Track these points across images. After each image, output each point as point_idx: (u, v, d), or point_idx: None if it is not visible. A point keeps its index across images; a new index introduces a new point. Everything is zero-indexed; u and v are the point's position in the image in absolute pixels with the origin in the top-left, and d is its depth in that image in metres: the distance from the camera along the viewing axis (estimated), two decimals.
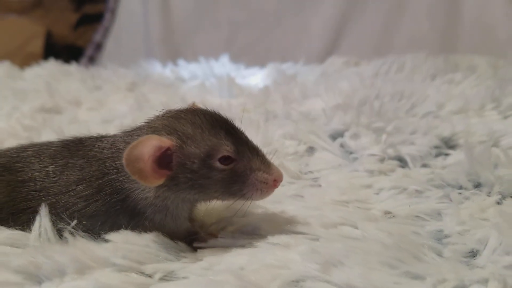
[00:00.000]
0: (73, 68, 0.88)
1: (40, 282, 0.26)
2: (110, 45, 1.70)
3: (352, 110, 0.49)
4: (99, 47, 1.76)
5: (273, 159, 0.39)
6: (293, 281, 0.26)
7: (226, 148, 0.29)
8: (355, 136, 0.46)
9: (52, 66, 0.89)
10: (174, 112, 0.32)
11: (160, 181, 0.29)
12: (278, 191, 0.37)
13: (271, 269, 0.27)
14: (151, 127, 0.31)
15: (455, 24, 1.40)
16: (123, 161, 0.28)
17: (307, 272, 0.26)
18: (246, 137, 0.32)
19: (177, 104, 0.60)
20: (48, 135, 0.44)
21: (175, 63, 0.95)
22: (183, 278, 0.27)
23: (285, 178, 0.40)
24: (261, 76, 0.81)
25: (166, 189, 0.30)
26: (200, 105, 0.34)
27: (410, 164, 0.42)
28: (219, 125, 0.31)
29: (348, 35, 1.57)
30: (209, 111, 0.32)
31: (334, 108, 0.51)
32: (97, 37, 1.82)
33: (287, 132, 0.49)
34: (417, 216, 0.33)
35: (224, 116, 0.32)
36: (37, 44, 1.64)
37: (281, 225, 0.32)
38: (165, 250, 0.30)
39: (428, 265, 0.26)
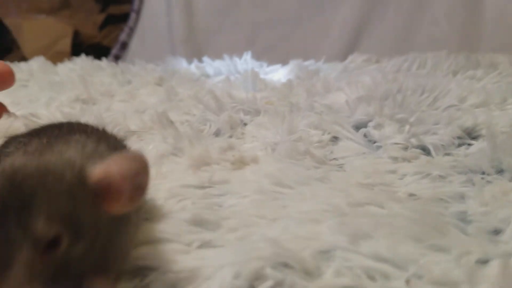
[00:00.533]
0: (103, 63, 0.91)
1: None
2: (134, 44, 1.74)
3: (375, 101, 0.51)
4: (124, 46, 1.80)
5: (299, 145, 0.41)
6: (322, 251, 0.28)
7: None
8: (379, 126, 0.48)
9: (83, 62, 0.93)
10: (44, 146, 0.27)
11: None
12: (305, 174, 0.39)
13: (302, 240, 0.28)
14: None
15: (475, 24, 1.40)
16: None
17: (337, 244, 0.28)
18: (25, 237, 0.20)
19: (205, 97, 0.62)
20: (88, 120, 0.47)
21: (200, 60, 0.97)
22: (220, 246, 0.29)
23: (311, 163, 0.42)
24: (283, 73, 0.83)
25: None
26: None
27: (433, 153, 0.43)
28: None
29: (367, 36, 1.57)
30: (19, 173, 0.22)
31: (357, 100, 0.52)
32: (122, 36, 1.87)
33: (312, 122, 0.51)
34: (440, 199, 0.35)
35: (26, 189, 0.21)
36: (66, 43, 1.69)
37: (309, 203, 0.34)
38: (199, 226, 0.32)
39: (452, 239, 0.28)
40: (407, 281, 0.24)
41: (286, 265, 0.26)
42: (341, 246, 0.28)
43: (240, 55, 1.00)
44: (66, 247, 0.21)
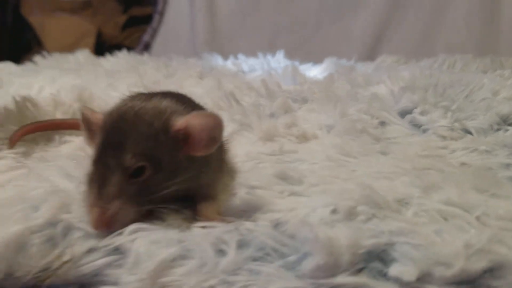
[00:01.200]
0: (145, 58, 0.97)
1: None
2: (157, 45, 1.79)
3: (419, 91, 0.56)
4: (147, 47, 1.85)
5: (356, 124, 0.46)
6: (400, 199, 0.33)
7: (93, 151, 0.30)
8: (424, 112, 0.53)
9: (125, 56, 0.98)
10: (131, 99, 0.33)
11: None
12: (366, 147, 0.45)
13: (382, 191, 0.33)
14: None
15: (493, 30, 1.44)
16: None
17: (411, 194, 0.33)
18: (110, 163, 0.29)
19: (245, 90, 0.67)
20: None
21: (235, 57, 1.03)
22: (307, 196, 0.35)
23: (369, 139, 0.47)
24: (319, 70, 0.89)
25: None
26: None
27: (475, 134, 0.49)
28: (105, 130, 0.30)
29: (387, 41, 1.62)
30: (122, 113, 0.31)
31: (401, 90, 0.57)
32: (145, 37, 1.93)
33: (361, 109, 0.56)
34: (489, 168, 0.40)
35: (119, 129, 0.30)
36: (89, 42, 1.73)
37: (377, 167, 0.39)
38: (284, 180, 0.37)
39: (509, 191, 0.33)
40: (477, 217, 0.29)
41: (375, 205, 0.31)
42: (416, 195, 0.33)
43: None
44: (148, 176, 0.29)
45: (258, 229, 0.29)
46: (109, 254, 0.29)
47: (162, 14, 1.88)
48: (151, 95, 0.35)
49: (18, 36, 1.74)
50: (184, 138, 0.30)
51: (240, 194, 0.34)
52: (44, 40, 1.68)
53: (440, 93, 0.57)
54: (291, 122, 0.49)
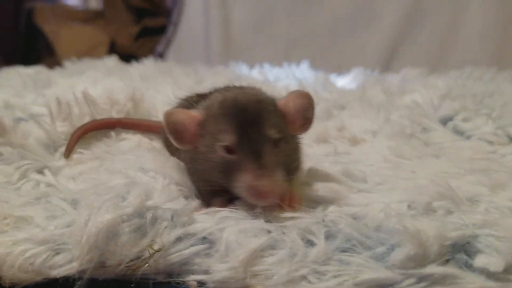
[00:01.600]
0: (173, 65, 0.99)
1: None
2: (171, 56, 1.80)
3: (459, 98, 0.57)
4: (161, 57, 1.87)
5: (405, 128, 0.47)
6: (469, 197, 0.34)
7: (228, 138, 0.31)
8: (466, 119, 0.54)
9: (151, 63, 1.00)
10: (231, 89, 0.37)
11: (188, 147, 0.33)
12: (419, 150, 0.45)
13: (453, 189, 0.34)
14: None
15: (508, 47, 1.45)
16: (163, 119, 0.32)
17: (480, 192, 0.34)
18: (260, 138, 0.31)
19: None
20: None
21: (261, 65, 1.04)
22: (375, 193, 0.36)
23: (418, 143, 0.48)
24: (347, 80, 0.90)
25: (192, 153, 0.34)
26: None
27: None
28: (236, 114, 0.31)
29: (402, 55, 1.63)
30: (242, 98, 0.33)
31: (441, 97, 0.59)
32: (160, 47, 1.94)
33: (403, 115, 0.57)
34: None
35: (251, 109, 0.32)
36: (102, 51, 1.74)
37: (437, 168, 0.40)
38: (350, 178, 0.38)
39: None
40: None
41: (451, 200, 0.32)
42: (485, 193, 0.34)
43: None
44: (282, 148, 0.32)
45: (342, 221, 0.30)
46: (197, 243, 0.29)
47: (176, 24, 1.90)
48: (226, 89, 0.38)
49: (30, 44, 1.75)
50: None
51: (314, 188, 0.34)
52: (57, 48, 1.69)
53: (479, 101, 0.58)
54: (341, 125, 0.50)
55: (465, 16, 1.55)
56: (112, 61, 0.96)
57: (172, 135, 0.33)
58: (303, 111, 0.34)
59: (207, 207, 0.32)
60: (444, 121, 0.56)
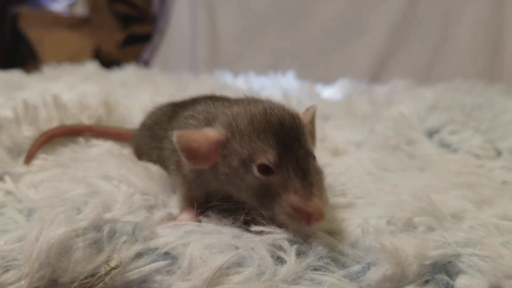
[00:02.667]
0: (156, 71, 0.97)
1: None
2: (157, 63, 1.78)
3: (446, 110, 0.56)
4: (146, 64, 1.85)
5: (390, 140, 0.46)
6: (454, 213, 0.32)
7: (267, 157, 0.28)
8: (453, 132, 0.53)
9: (133, 69, 0.98)
10: (243, 102, 0.33)
11: (203, 166, 0.30)
12: (403, 162, 0.44)
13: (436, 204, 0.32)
14: (210, 114, 0.33)
15: (497, 62, 1.46)
16: (174, 139, 0.29)
17: (465, 208, 0.32)
18: (304, 154, 0.28)
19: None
20: None
21: (246, 74, 1.02)
22: (354, 207, 0.34)
23: (403, 156, 0.46)
24: (333, 90, 0.89)
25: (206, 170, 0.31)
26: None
27: (506, 155, 0.48)
28: (273, 130, 0.28)
29: (390, 69, 1.63)
30: (276, 113, 0.29)
31: (428, 109, 0.57)
32: (145, 55, 1.93)
33: (388, 126, 0.55)
34: None
35: (289, 124, 0.29)
36: (86, 58, 1.73)
37: (421, 182, 0.38)
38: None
39: None
40: None
41: (433, 216, 0.30)
42: (469, 209, 0.32)
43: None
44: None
45: (316, 237, 0.27)
46: (159, 258, 0.27)
47: (162, 32, 1.89)
48: (238, 102, 0.35)
49: (14, 50, 1.73)
50: None
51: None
52: (41, 54, 1.67)
53: (467, 114, 0.57)
54: (323, 136, 0.48)
55: (456, 31, 1.55)
56: (93, 67, 0.94)
57: (186, 155, 0.30)
58: (314, 122, 0.34)
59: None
60: (431, 133, 0.54)
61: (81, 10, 1.82)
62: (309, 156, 0.28)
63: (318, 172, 0.28)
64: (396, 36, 1.65)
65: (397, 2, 1.65)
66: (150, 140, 0.39)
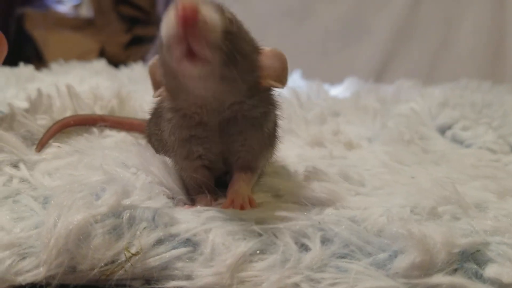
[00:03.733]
0: None
1: None
2: None
3: (458, 107, 0.56)
4: None
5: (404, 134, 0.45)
6: (476, 203, 0.31)
7: None
8: (465, 128, 0.52)
9: (140, 67, 0.97)
10: None
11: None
12: (418, 156, 0.43)
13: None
14: None
15: (498, 63, 1.46)
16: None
17: (487, 199, 0.32)
18: None
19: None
20: None
21: None
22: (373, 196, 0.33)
23: (417, 150, 0.46)
24: (340, 89, 0.88)
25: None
26: None
27: None
28: None
29: (392, 70, 1.63)
30: None
31: (439, 106, 0.57)
32: (150, 56, 1.93)
33: (399, 122, 0.55)
34: None
35: None
36: (91, 59, 1.73)
37: (438, 174, 0.38)
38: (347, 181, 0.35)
39: None
40: None
41: (458, 205, 0.29)
42: (492, 200, 0.32)
43: None
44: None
45: (340, 224, 0.27)
46: (180, 245, 0.26)
47: None
48: None
49: (19, 50, 1.73)
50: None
51: (309, 188, 0.31)
52: (46, 54, 1.67)
53: (478, 111, 0.56)
54: (336, 129, 0.48)
55: (456, 34, 1.56)
56: (100, 64, 0.94)
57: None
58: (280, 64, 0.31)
59: (192, 205, 0.29)
60: (443, 129, 0.54)
61: (86, 11, 1.81)
62: None
63: None
64: (398, 38, 1.65)
65: (400, 5, 1.66)
66: (155, 127, 0.38)
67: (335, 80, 1.66)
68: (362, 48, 1.70)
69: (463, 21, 1.57)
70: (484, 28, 1.53)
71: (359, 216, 0.29)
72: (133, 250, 0.26)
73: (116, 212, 0.27)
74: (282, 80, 0.31)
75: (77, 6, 1.88)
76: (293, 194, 0.31)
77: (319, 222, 0.27)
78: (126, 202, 0.28)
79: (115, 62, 1.78)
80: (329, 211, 0.30)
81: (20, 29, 1.68)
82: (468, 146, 0.50)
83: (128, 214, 0.27)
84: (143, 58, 1.93)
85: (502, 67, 1.49)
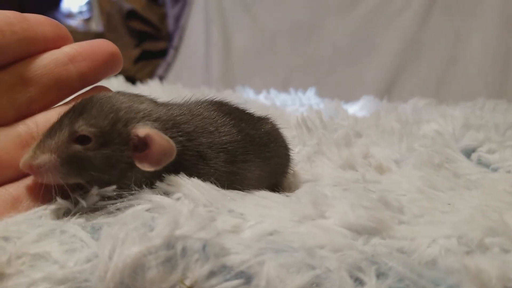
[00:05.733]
0: (178, 86, 0.97)
1: None
2: (171, 80, 1.80)
3: (482, 129, 0.56)
4: (160, 80, 1.87)
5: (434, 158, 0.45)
6: None
7: None
8: (491, 151, 0.53)
9: (156, 84, 0.98)
10: None
11: None
12: (451, 181, 0.43)
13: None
14: None
15: (506, 81, 1.47)
16: None
17: None
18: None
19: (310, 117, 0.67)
20: None
21: (268, 91, 1.03)
22: (415, 225, 0.33)
23: (449, 174, 0.46)
24: (356, 108, 0.89)
25: None
26: None
27: None
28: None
29: (400, 88, 1.64)
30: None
31: (463, 128, 0.57)
32: (160, 71, 1.94)
33: (424, 144, 0.55)
34: None
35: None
36: None
37: (474, 201, 0.38)
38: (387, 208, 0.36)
39: None
40: None
41: (506, 237, 0.29)
42: None
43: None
44: (89, 149, 0.31)
45: (392, 257, 0.27)
46: (233, 277, 0.26)
47: (177, 49, 1.91)
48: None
49: None
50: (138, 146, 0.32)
51: (355, 215, 0.32)
52: None
53: (502, 133, 0.57)
54: (367, 152, 0.48)
55: (465, 51, 1.57)
56: (118, 81, 0.94)
57: None
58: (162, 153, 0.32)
59: None
60: (467, 152, 0.54)
61: (96, 25, 1.83)
62: (66, 126, 0.31)
63: (55, 141, 0.31)
64: (406, 54, 1.67)
65: (408, 22, 1.68)
66: None
67: (344, 94, 1.67)
68: (370, 64, 1.71)
69: (470, 38, 1.59)
70: (492, 45, 1.55)
71: (407, 247, 0.29)
72: (187, 283, 0.26)
73: (169, 243, 0.27)
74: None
75: (87, 20, 1.90)
76: (339, 220, 0.31)
77: (373, 255, 0.27)
78: (178, 232, 0.28)
79: (125, 76, 1.80)
80: (376, 240, 0.30)
81: None
82: (494, 169, 0.50)
83: (181, 245, 0.27)
84: (152, 72, 1.95)
85: (509, 83, 1.50)
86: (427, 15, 1.61)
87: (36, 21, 0.35)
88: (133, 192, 0.32)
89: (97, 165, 0.31)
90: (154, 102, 0.36)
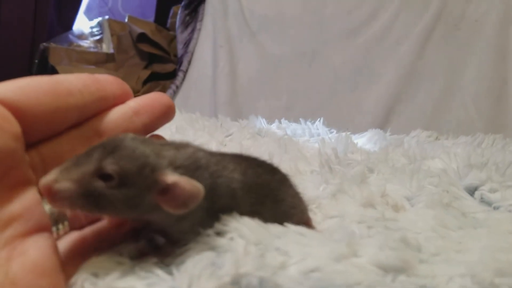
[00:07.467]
0: (196, 115, 1.03)
1: None
2: (178, 102, 1.86)
3: (483, 168, 0.62)
4: None
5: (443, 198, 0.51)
6: None
7: None
8: (493, 190, 0.59)
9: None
10: None
11: None
12: (460, 220, 0.49)
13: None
14: None
15: (501, 111, 1.54)
16: None
17: None
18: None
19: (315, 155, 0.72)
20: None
21: (279, 121, 1.09)
22: (433, 264, 0.39)
23: (457, 213, 0.52)
24: (363, 141, 0.95)
25: None
26: None
27: None
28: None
29: (397, 115, 1.71)
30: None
31: (467, 166, 0.63)
32: (168, 93, 2.00)
33: (431, 182, 0.61)
34: None
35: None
36: None
37: (484, 240, 0.44)
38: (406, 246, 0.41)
39: None
40: None
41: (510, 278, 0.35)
42: None
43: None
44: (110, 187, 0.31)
45: None
46: None
47: (185, 72, 1.97)
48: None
49: None
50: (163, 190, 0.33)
51: (384, 254, 0.37)
52: None
53: (502, 173, 0.63)
54: (384, 190, 0.54)
55: (461, 81, 1.64)
56: None
57: None
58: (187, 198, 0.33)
59: None
60: (470, 190, 0.60)
61: (106, 47, 1.89)
62: (94, 162, 0.30)
63: (79, 172, 0.30)
64: (404, 83, 1.74)
65: (407, 52, 1.75)
66: None
67: (343, 121, 1.73)
68: (370, 91, 1.78)
69: (466, 69, 1.66)
70: (487, 76, 1.62)
71: (429, 284, 0.35)
72: None
73: (234, 280, 0.32)
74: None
75: (98, 41, 1.96)
76: (371, 259, 0.36)
77: None
78: (242, 270, 0.33)
79: (135, 96, 1.84)
80: (403, 278, 0.35)
81: (45, 62, 1.75)
82: (496, 208, 0.56)
83: (245, 282, 0.32)
84: None
85: (504, 112, 1.57)
86: (424, 45, 1.69)
87: (106, 81, 0.40)
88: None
89: (115, 204, 0.32)
90: (180, 146, 0.37)
